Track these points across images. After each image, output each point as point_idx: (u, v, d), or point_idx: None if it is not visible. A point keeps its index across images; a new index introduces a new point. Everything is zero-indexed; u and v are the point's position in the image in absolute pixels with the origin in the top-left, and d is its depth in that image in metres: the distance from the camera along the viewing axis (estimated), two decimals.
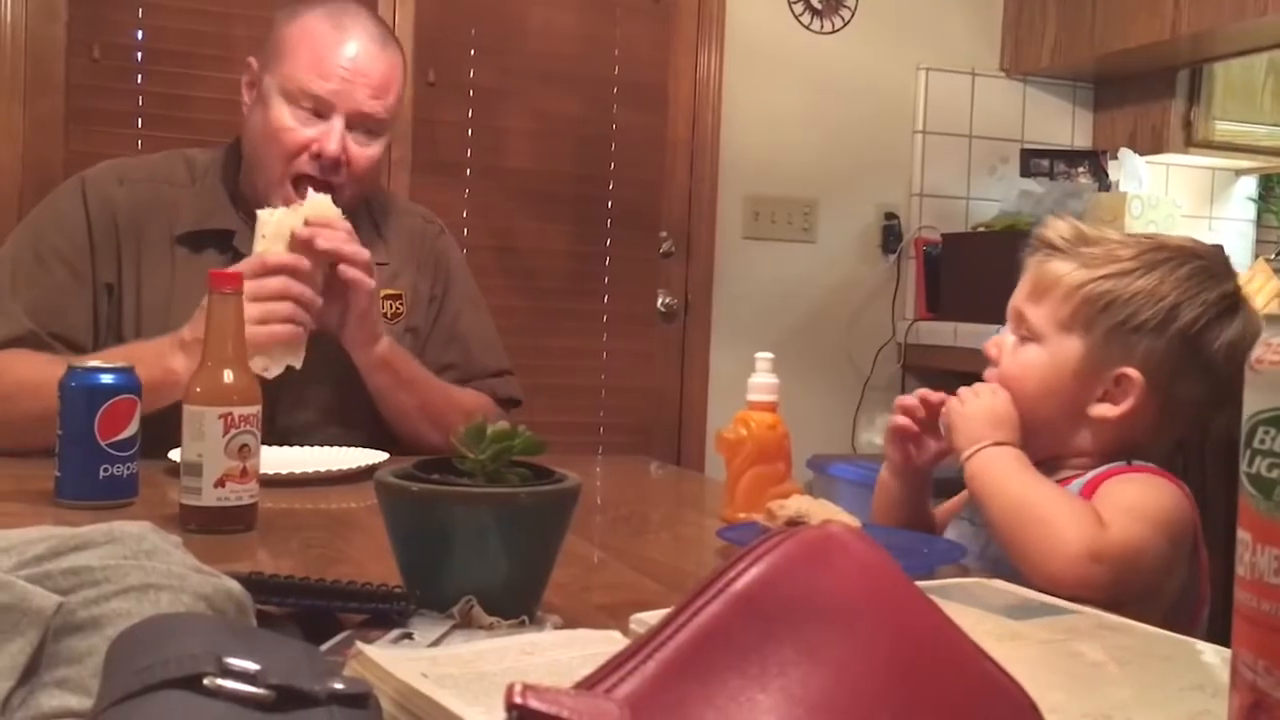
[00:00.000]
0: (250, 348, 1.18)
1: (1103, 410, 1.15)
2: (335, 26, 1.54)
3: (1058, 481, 1.15)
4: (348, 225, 1.49)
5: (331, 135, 1.52)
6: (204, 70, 2.68)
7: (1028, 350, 1.19)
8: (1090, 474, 1.15)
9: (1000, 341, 1.22)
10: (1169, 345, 1.13)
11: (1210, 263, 1.17)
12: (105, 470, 1.15)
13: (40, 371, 1.39)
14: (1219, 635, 0.79)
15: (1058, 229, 1.21)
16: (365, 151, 1.56)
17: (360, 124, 1.55)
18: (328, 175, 1.54)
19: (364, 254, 1.48)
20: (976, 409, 1.17)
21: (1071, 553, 0.99)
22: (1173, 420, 1.18)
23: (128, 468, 1.16)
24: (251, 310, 1.26)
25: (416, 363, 1.61)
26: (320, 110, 1.53)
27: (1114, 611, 0.83)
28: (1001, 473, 1.10)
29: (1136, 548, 1.03)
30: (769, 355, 1.25)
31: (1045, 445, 1.19)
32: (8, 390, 1.43)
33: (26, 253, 1.55)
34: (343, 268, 1.46)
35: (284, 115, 1.53)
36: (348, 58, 1.53)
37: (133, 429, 1.16)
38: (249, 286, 1.24)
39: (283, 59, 1.54)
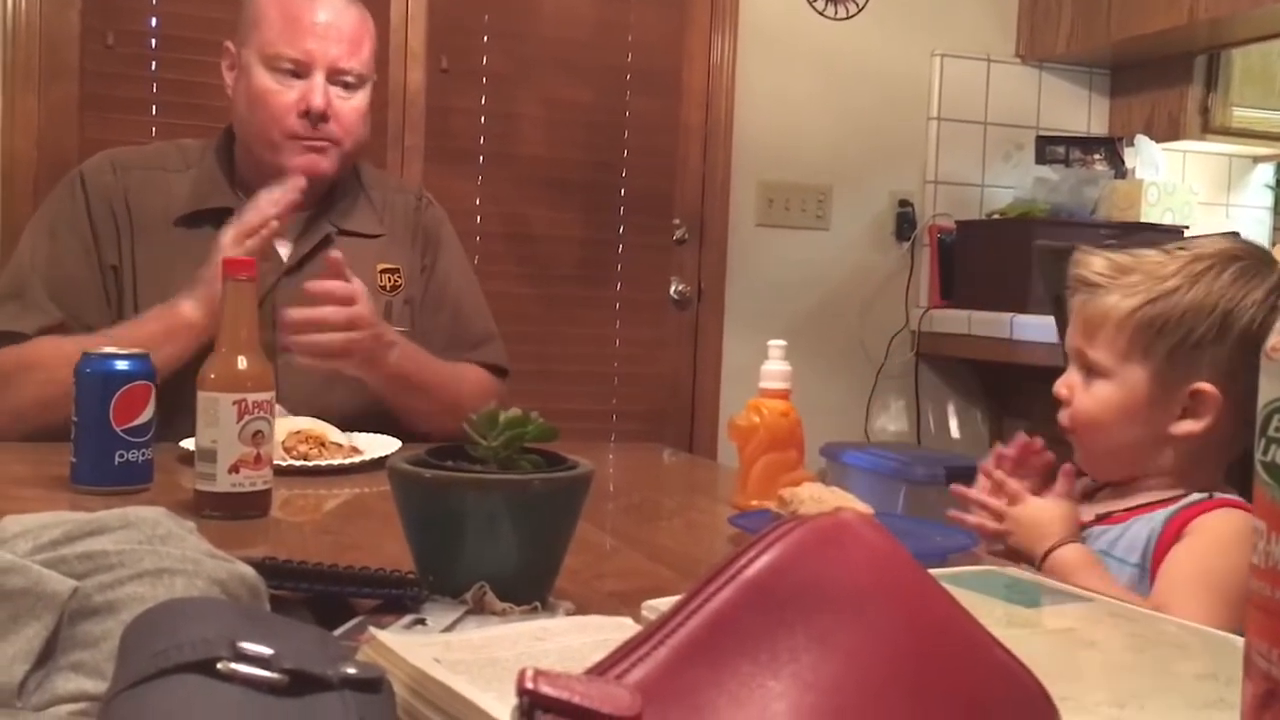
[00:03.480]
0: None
1: (1186, 427, 1.17)
2: None
3: (1138, 507, 1.18)
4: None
5: (315, 90, 1.59)
6: (218, 57, 2.67)
7: (1098, 387, 1.20)
8: (1174, 507, 1.16)
9: (1070, 381, 1.24)
10: (1232, 352, 1.15)
11: (1250, 261, 1.18)
12: (120, 456, 1.15)
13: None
14: None
15: (1091, 266, 1.22)
16: (349, 104, 1.63)
17: (339, 79, 1.62)
18: (318, 129, 1.60)
19: (351, 288, 1.47)
20: (1037, 514, 1.19)
21: None
22: (1249, 424, 1.17)
23: (143, 454, 1.17)
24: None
25: (423, 356, 1.61)
26: (300, 71, 1.60)
27: None
28: (1075, 573, 1.11)
29: None
30: (782, 343, 1.25)
31: (1128, 467, 1.22)
32: (55, 373, 1.43)
33: (42, 249, 1.61)
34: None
35: (267, 81, 1.60)
36: (319, 17, 1.61)
37: (148, 415, 1.17)
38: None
39: (257, 29, 1.61)
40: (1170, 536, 1.14)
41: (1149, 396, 1.17)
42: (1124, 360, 1.18)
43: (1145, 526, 1.17)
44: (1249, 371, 1.14)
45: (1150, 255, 1.20)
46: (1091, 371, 1.21)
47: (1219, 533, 1.13)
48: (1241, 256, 1.18)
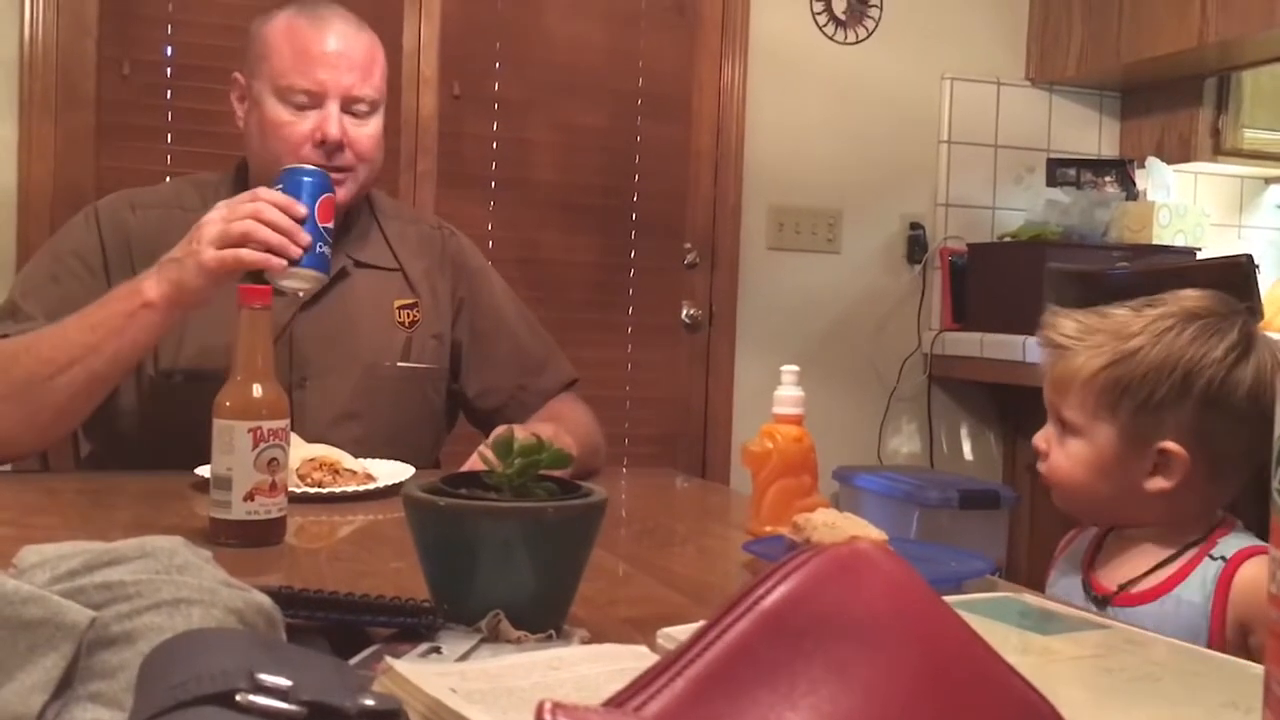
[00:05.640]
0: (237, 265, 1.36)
1: (1157, 484, 1.20)
2: (311, 19, 1.61)
3: (1152, 579, 1.19)
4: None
5: (330, 120, 1.57)
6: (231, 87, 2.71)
7: (1071, 444, 1.24)
8: (1200, 582, 1.17)
9: (1047, 435, 1.28)
10: (1194, 411, 1.17)
11: (1211, 319, 1.20)
12: (320, 247, 1.40)
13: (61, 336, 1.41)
14: None
15: (1060, 328, 1.25)
16: (363, 131, 1.61)
17: (352, 106, 1.60)
18: (333, 159, 1.58)
19: None
20: None
21: None
22: (1225, 472, 1.22)
23: (329, 249, 1.43)
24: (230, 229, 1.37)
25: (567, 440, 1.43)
26: (313, 101, 1.58)
27: None
28: None
29: None
30: (794, 368, 1.25)
31: (1108, 518, 1.27)
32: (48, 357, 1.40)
33: (42, 273, 1.59)
34: None
35: (280, 112, 1.58)
36: (330, 46, 1.59)
37: (334, 222, 1.44)
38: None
39: (268, 60, 1.60)
40: (1218, 616, 1.15)
41: (1118, 454, 1.20)
42: (1093, 419, 1.21)
43: (1182, 608, 1.16)
44: (1213, 428, 1.16)
45: (1119, 314, 1.23)
46: (1065, 427, 1.24)
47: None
48: (1202, 314, 1.20)
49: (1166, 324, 1.19)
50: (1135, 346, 1.19)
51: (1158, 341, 1.18)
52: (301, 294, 1.48)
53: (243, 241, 1.37)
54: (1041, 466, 1.28)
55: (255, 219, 1.37)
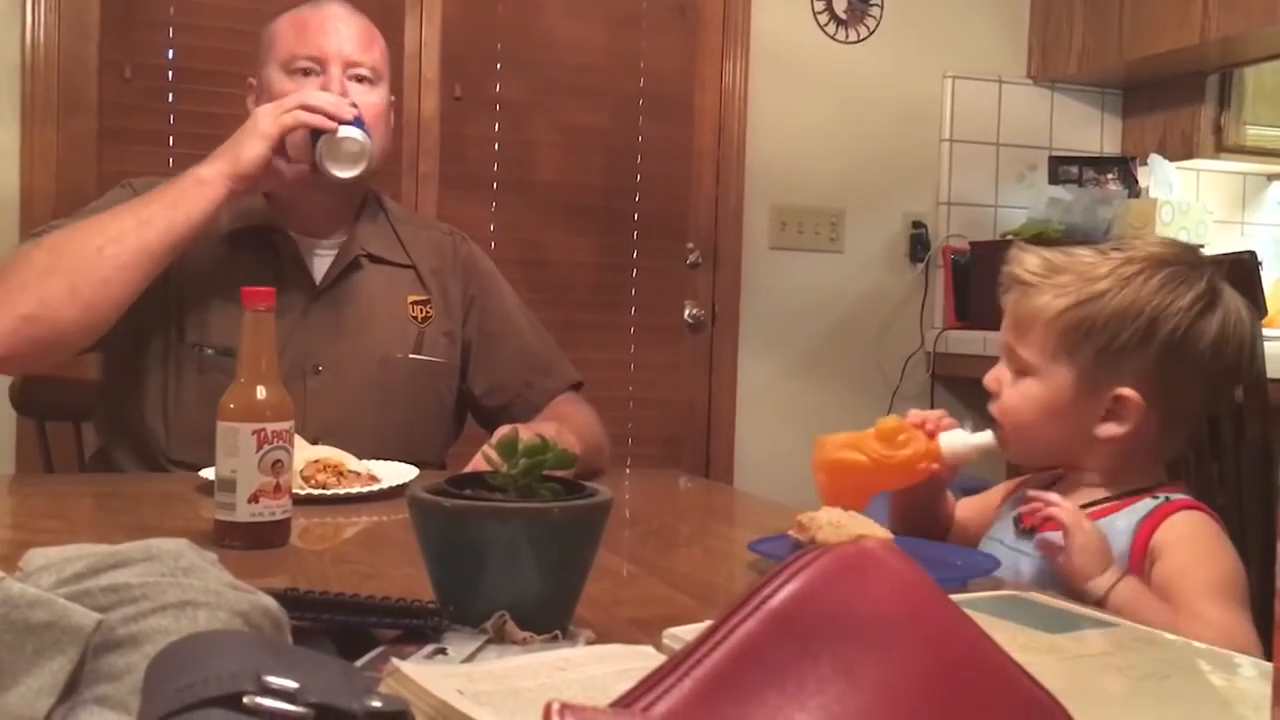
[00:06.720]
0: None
1: (1109, 430, 1.19)
2: (313, 7, 1.68)
3: (1088, 506, 1.18)
4: None
5: (333, 82, 1.61)
6: (234, 89, 2.68)
7: (1025, 384, 1.23)
8: (1132, 517, 1.16)
9: (999, 375, 1.26)
10: (1155, 359, 1.16)
11: (1179, 267, 1.18)
12: (365, 128, 1.55)
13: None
14: None
15: (1025, 264, 1.24)
16: (368, 99, 1.64)
17: (354, 72, 1.64)
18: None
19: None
20: (1092, 543, 1.12)
21: None
22: (1177, 425, 1.22)
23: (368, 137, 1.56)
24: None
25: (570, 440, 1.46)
26: (317, 67, 1.63)
27: None
28: (1146, 610, 1.06)
29: (1243, 644, 1.01)
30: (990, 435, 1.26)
31: (1054, 461, 1.26)
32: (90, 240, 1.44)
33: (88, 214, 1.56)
34: None
35: (285, 84, 1.63)
36: (329, 21, 1.65)
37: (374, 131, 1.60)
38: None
39: (274, 46, 1.66)
40: (1139, 549, 1.14)
41: (1073, 397, 1.19)
42: (1051, 360, 1.20)
43: (1110, 533, 1.15)
44: (1172, 377, 1.16)
45: (1084, 255, 1.22)
46: (1020, 368, 1.23)
47: (1198, 539, 1.14)
48: (1171, 262, 1.19)
49: (1134, 269, 1.17)
50: (1101, 289, 1.17)
51: (1125, 286, 1.16)
52: (350, 173, 1.55)
53: (299, 106, 1.51)
54: (993, 407, 1.26)
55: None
